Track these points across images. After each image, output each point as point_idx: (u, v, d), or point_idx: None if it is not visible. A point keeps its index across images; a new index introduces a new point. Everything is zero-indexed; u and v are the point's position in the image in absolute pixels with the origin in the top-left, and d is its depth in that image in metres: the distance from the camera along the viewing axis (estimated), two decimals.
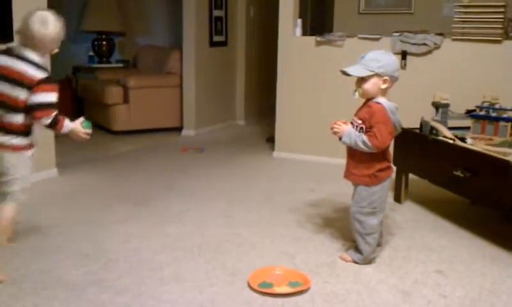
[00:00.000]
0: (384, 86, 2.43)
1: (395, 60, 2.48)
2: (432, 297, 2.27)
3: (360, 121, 2.47)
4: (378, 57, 2.42)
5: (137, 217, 3.17)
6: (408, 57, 4.25)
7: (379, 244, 2.67)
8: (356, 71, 2.44)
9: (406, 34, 4.25)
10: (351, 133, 2.46)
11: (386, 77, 2.41)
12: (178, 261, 2.57)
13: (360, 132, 2.45)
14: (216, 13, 6.03)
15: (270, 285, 2.30)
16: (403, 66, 4.22)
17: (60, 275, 2.39)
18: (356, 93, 2.48)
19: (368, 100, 2.48)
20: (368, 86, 2.44)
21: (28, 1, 3.71)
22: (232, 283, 2.35)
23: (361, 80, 2.45)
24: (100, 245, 2.75)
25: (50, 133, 3.96)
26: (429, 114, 3.39)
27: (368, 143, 2.40)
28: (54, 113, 2.33)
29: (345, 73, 2.46)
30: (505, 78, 3.94)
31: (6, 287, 2.26)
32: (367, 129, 2.43)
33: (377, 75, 2.41)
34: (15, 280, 2.33)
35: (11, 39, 3.64)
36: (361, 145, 2.42)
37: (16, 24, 3.60)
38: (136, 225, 3.03)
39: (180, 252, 2.68)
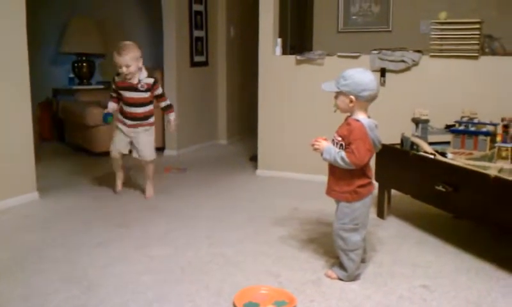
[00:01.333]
0: (351, 104, 2.45)
1: (368, 80, 2.40)
2: None
3: (339, 138, 2.49)
4: (347, 76, 2.42)
5: (120, 239, 3.14)
6: (387, 74, 4.31)
7: (363, 260, 2.68)
8: (327, 86, 2.50)
9: (384, 51, 4.30)
10: (330, 149, 2.48)
11: (351, 96, 2.42)
12: (161, 283, 2.54)
13: (339, 148, 2.47)
14: (197, 33, 6.06)
15: (256, 305, 2.28)
16: (382, 83, 4.27)
17: (42, 301, 2.34)
18: (334, 107, 2.53)
19: (348, 117, 2.51)
20: (338, 101, 2.49)
21: (7, 28, 3.70)
22: (216, 303, 2.33)
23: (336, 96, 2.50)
24: (82, 268, 2.70)
25: (31, 157, 3.92)
26: (409, 130, 3.43)
27: (347, 159, 2.41)
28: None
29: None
30: (482, 93, 4.01)
31: None
32: (346, 146, 2.45)
33: (342, 93, 2.45)
34: None
35: None
36: (340, 161, 2.43)
37: None
38: (119, 247, 2.99)
39: (164, 274, 2.65)
